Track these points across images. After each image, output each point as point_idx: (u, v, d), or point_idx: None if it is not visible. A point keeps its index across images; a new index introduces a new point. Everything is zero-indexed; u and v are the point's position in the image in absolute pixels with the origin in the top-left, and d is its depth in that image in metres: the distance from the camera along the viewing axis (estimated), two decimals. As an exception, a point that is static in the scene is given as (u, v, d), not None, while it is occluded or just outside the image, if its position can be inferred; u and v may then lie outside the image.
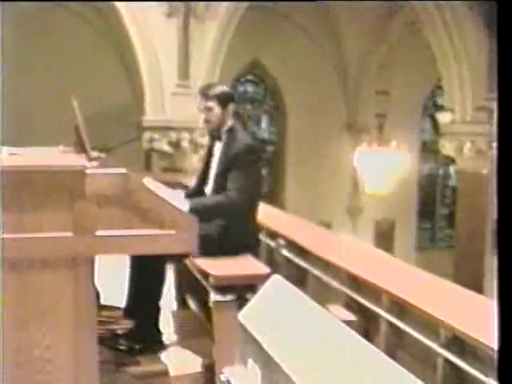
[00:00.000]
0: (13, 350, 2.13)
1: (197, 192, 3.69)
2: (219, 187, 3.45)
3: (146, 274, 3.29)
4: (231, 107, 3.56)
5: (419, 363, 3.24)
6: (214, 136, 3.63)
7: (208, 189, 3.60)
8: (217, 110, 3.52)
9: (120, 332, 3.28)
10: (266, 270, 3.21)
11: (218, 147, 3.58)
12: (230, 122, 3.56)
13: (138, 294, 3.36)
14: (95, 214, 2.16)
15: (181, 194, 3.58)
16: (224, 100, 3.53)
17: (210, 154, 3.68)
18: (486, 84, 9.77)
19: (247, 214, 3.48)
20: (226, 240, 3.37)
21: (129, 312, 3.38)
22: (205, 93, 3.58)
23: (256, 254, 3.51)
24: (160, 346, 3.38)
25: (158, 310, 3.39)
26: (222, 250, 3.33)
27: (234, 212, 3.38)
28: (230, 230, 3.40)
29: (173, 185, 3.88)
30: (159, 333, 3.42)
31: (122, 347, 3.25)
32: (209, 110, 3.53)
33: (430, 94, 14.22)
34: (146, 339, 3.30)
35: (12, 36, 9.09)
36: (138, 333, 3.28)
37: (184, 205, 3.25)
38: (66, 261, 2.17)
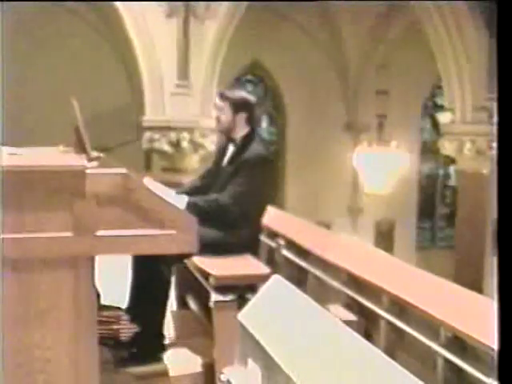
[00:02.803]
0: (13, 350, 2.13)
1: (203, 188, 3.67)
2: (221, 189, 3.45)
3: (149, 276, 3.27)
4: (243, 115, 3.52)
5: (419, 363, 3.24)
6: (229, 139, 3.61)
7: (213, 188, 3.59)
8: (227, 112, 3.52)
9: (123, 337, 3.25)
10: (265, 270, 3.21)
11: (231, 150, 3.57)
12: (245, 129, 3.53)
13: (140, 296, 3.33)
14: (95, 214, 2.16)
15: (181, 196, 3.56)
16: (237, 105, 3.51)
17: (222, 154, 3.66)
18: (486, 84, 9.77)
19: (243, 223, 3.42)
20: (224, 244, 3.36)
21: (131, 315, 3.36)
22: (221, 93, 3.62)
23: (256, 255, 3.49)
24: (162, 351, 3.30)
25: (162, 313, 3.33)
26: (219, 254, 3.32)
27: (223, 219, 3.36)
28: (225, 236, 3.38)
29: (173, 185, 3.88)
30: (162, 337, 3.36)
31: (122, 353, 3.22)
32: (219, 109, 3.55)
33: (430, 94, 14.21)
34: (149, 343, 3.23)
35: (12, 36, 9.08)
36: (140, 337, 3.27)
37: (183, 200, 3.28)
38: (66, 261, 2.17)
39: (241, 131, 3.53)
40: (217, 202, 3.35)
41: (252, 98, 3.66)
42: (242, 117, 3.52)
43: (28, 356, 2.15)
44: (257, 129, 3.74)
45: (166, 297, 3.35)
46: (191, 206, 3.28)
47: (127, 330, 3.29)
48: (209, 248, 3.24)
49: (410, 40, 12.31)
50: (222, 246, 3.34)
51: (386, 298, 3.51)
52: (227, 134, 3.58)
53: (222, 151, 3.69)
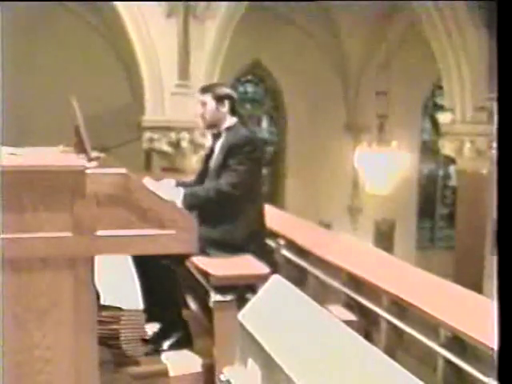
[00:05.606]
0: (13, 350, 2.13)
1: (197, 184, 3.67)
2: (216, 176, 3.45)
3: (156, 275, 3.30)
4: (227, 104, 3.53)
5: (419, 363, 3.24)
6: (215, 135, 3.62)
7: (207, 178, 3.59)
8: (211, 104, 3.52)
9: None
10: (265, 270, 3.21)
11: (218, 144, 3.58)
12: (230, 121, 3.54)
13: (153, 295, 3.36)
14: (95, 214, 2.16)
15: (171, 182, 3.56)
16: (220, 96, 3.53)
17: (210, 152, 3.68)
18: (486, 84, 9.77)
19: (247, 211, 3.44)
20: (230, 239, 3.36)
21: (150, 315, 3.39)
22: (202, 88, 3.63)
23: (261, 256, 3.46)
24: (190, 336, 3.40)
25: (178, 304, 3.42)
26: (224, 250, 3.32)
27: (224, 207, 3.36)
28: (231, 228, 3.39)
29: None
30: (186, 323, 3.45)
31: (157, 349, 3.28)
32: (203, 104, 3.55)
33: (430, 94, 14.23)
34: (178, 332, 3.34)
35: (12, 36, 9.08)
36: (166, 331, 3.33)
37: (179, 192, 3.28)
38: (66, 261, 2.17)
39: (226, 123, 3.54)
40: (216, 188, 3.35)
41: (233, 92, 3.67)
42: (225, 108, 3.53)
43: (28, 356, 2.15)
44: (243, 120, 3.74)
45: (176, 289, 3.42)
46: (191, 195, 3.29)
47: (129, 329, 3.31)
48: (213, 245, 3.25)
49: (410, 40, 12.31)
50: (224, 244, 3.34)
51: (385, 298, 3.51)
52: (214, 129, 3.58)
53: (211, 148, 3.70)
